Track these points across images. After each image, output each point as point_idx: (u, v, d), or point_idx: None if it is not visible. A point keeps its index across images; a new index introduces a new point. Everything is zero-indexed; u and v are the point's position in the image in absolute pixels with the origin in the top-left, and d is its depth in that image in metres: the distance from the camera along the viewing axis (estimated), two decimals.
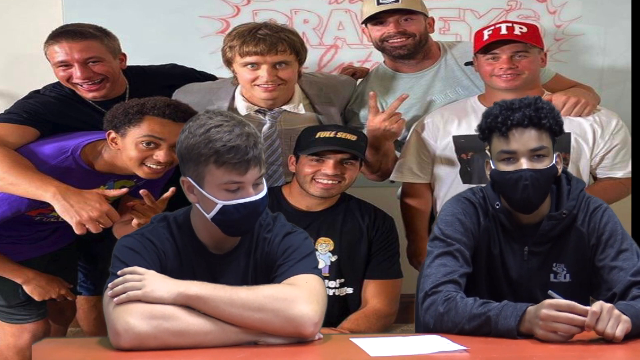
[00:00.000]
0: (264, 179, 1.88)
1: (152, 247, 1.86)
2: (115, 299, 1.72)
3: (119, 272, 1.78)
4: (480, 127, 2.10)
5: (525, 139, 1.99)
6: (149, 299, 1.72)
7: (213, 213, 1.84)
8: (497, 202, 2.07)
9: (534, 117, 1.99)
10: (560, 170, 2.08)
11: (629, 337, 1.80)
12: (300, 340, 1.77)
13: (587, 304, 1.99)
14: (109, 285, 1.76)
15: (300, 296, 1.77)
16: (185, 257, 1.90)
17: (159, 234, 1.90)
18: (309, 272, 1.87)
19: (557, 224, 2.06)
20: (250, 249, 1.94)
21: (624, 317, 1.80)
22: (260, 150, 1.84)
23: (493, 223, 2.10)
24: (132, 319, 1.68)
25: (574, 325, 1.78)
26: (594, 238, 2.07)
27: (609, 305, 1.80)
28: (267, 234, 1.95)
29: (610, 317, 1.78)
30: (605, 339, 1.79)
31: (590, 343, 1.80)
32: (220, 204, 1.82)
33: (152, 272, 1.77)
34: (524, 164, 2.00)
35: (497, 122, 2.01)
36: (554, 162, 2.04)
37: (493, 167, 2.07)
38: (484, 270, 2.11)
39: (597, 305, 1.79)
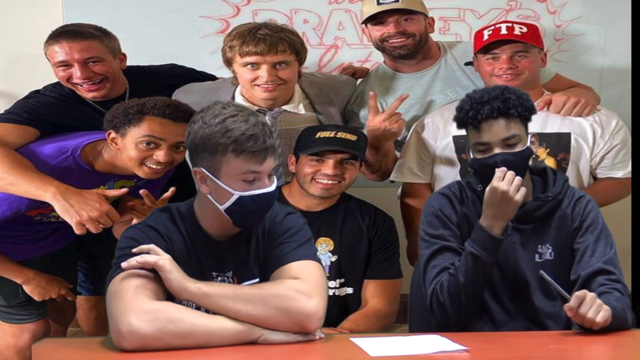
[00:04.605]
0: (275, 175, 1.89)
1: (157, 235, 1.85)
2: (124, 264, 1.72)
3: (134, 250, 1.77)
4: (455, 120, 2.17)
5: (496, 129, 2.07)
6: (160, 270, 1.73)
7: (228, 204, 1.83)
8: (479, 185, 2.14)
9: (502, 108, 2.06)
10: (535, 150, 2.17)
11: (606, 330, 1.85)
12: (300, 339, 1.77)
13: (568, 283, 2.06)
14: (122, 265, 1.74)
15: (305, 291, 1.77)
16: (190, 245, 1.90)
17: (163, 222, 1.90)
18: (310, 258, 1.88)
19: (542, 205, 2.12)
20: (251, 232, 1.94)
21: (606, 306, 1.86)
22: (275, 139, 1.85)
23: (472, 206, 2.15)
24: (135, 321, 1.66)
25: None
26: (577, 222, 2.13)
27: (592, 293, 1.88)
28: None
29: (593, 304, 1.85)
30: (585, 328, 1.85)
31: (590, 343, 1.81)
32: (236, 194, 1.81)
33: (169, 256, 1.77)
34: (497, 151, 2.08)
35: (468, 117, 2.10)
36: (527, 144, 2.11)
37: (472, 157, 2.15)
38: None
39: (582, 292, 1.87)
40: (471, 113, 2.08)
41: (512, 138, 2.07)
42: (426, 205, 2.21)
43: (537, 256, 2.13)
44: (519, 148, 2.08)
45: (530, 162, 2.18)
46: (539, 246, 2.13)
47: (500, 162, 2.06)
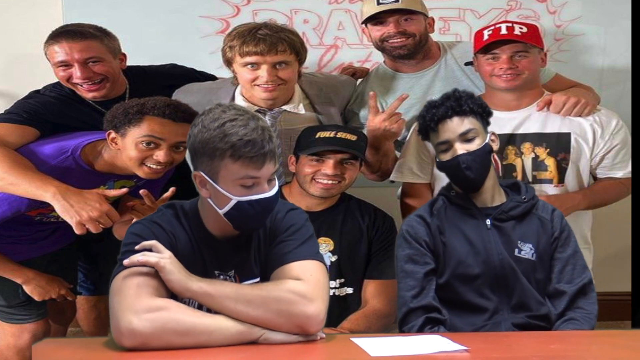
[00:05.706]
0: (276, 175, 1.88)
1: (162, 232, 1.85)
2: (126, 262, 1.72)
3: (137, 247, 1.77)
4: (419, 132, 2.30)
5: (452, 127, 2.19)
6: (161, 271, 1.72)
7: (227, 208, 1.83)
8: (452, 191, 2.26)
9: (454, 106, 2.19)
10: (495, 147, 2.25)
11: None
12: (301, 339, 1.77)
13: (545, 283, 2.19)
14: (124, 262, 1.74)
15: (306, 294, 1.77)
16: (194, 243, 1.90)
17: (168, 218, 1.90)
18: (312, 257, 1.87)
19: (517, 205, 2.22)
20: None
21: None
22: (275, 144, 1.83)
23: (443, 214, 2.24)
24: (136, 319, 1.66)
25: None
26: (557, 232, 2.23)
27: None
28: None
29: None
30: None
31: (590, 343, 1.81)
32: (234, 199, 1.81)
33: (171, 254, 1.76)
34: (458, 148, 2.18)
35: (426, 121, 2.23)
36: (486, 140, 2.21)
37: (437, 160, 2.26)
38: (448, 255, 2.20)
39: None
40: (428, 117, 2.22)
41: (468, 132, 2.18)
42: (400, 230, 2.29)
43: (516, 250, 2.19)
44: (477, 142, 2.19)
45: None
46: (519, 242, 2.20)
47: (462, 161, 2.16)
